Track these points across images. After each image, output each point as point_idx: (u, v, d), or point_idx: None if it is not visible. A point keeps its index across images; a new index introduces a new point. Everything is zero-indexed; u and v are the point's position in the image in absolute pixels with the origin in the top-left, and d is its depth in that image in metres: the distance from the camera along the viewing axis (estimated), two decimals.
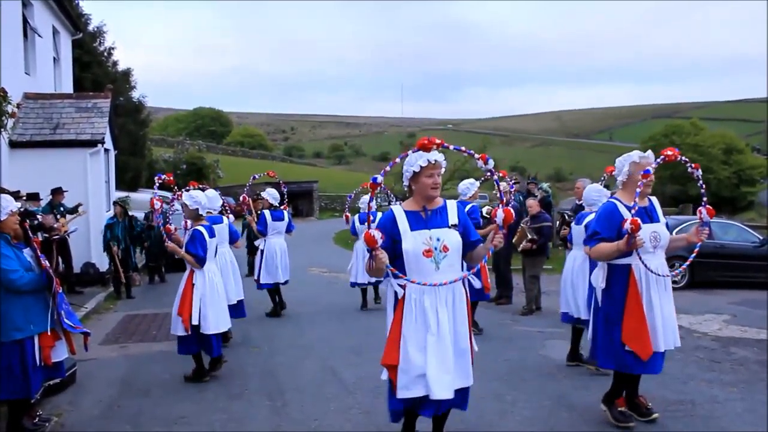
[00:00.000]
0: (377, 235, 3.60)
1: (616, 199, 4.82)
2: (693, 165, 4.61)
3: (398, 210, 3.97)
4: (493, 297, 10.57)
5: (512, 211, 3.87)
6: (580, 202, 8.91)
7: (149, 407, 5.51)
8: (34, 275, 4.72)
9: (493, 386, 5.84)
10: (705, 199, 4.76)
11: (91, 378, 6.37)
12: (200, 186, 8.92)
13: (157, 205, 6.10)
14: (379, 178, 3.59)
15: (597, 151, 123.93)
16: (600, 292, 4.83)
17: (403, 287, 3.85)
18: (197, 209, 6.35)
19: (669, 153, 4.42)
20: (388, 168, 3.65)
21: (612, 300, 4.71)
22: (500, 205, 3.84)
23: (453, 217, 3.98)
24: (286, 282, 9.69)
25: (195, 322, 6.10)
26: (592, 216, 6.52)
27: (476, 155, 3.79)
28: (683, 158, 4.48)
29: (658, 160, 4.49)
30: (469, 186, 7.98)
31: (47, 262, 4.87)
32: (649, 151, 4.74)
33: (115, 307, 10.51)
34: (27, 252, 4.85)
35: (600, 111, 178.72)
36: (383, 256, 3.67)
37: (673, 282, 5.52)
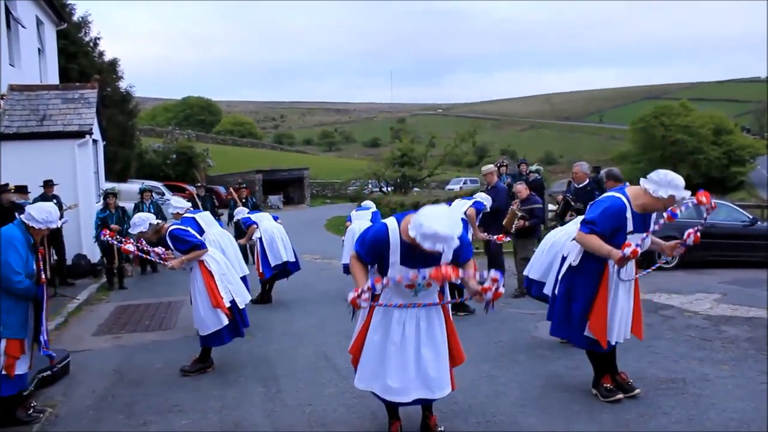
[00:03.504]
0: (364, 304, 3.77)
1: (627, 198, 4.68)
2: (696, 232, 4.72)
3: (394, 236, 3.90)
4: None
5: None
6: (580, 185, 8.96)
7: (143, 397, 5.52)
8: (31, 284, 4.74)
9: (485, 368, 5.89)
10: (701, 225, 4.81)
11: (85, 369, 6.36)
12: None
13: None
14: (378, 287, 3.78)
15: (587, 134, 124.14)
16: (567, 267, 4.94)
17: (383, 283, 3.84)
18: (145, 229, 6.01)
19: (702, 199, 4.49)
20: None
21: (578, 280, 4.85)
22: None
23: (448, 256, 3.91)
24: (294, 264, 9.57)
25: (228, 304, 5.97)
26: None
27: None
28: (714, 201, 4.56)
29: (688, 202, 4.54)
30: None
31: (45, 275, 4.89)
32: (688, 193, 4.59)
33: (108, 297, 10.48)
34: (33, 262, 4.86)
35: (590, 93, 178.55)
36: (365, 306, 3.84)
37: (665, 262, 5.61)
